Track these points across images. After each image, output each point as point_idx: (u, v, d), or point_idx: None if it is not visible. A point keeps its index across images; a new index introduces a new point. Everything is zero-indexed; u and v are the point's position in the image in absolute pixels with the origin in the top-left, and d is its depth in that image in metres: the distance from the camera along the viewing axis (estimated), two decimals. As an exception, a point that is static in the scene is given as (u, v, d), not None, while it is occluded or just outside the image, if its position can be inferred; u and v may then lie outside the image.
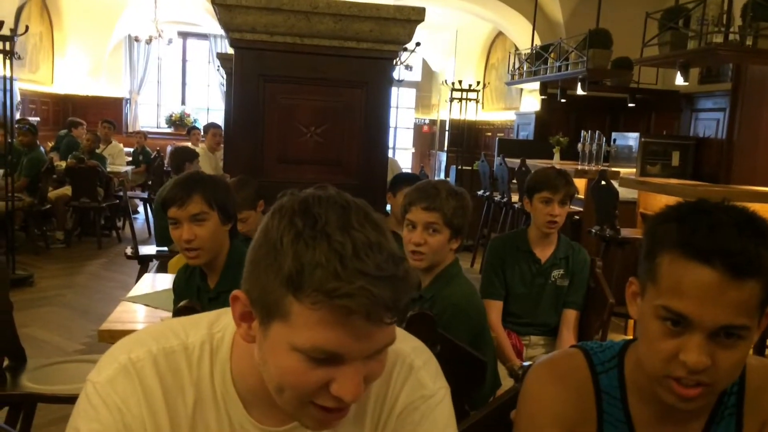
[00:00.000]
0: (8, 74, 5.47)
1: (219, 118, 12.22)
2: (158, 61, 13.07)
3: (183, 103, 13.52)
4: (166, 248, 4.54)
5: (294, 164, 3.46)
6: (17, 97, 8.42)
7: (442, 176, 11.79)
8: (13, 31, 5.24)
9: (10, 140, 5.76)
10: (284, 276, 0.77)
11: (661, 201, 4.46)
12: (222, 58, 7.02)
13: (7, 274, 3.03)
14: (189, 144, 9.08)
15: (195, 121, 12.92)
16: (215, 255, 1.95)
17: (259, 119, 3.41)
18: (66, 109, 11.57)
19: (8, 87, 5.57)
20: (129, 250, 4.66)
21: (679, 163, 6.45)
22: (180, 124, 12.98)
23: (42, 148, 7.05)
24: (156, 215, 4.90)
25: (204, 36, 12.92)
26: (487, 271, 2.80)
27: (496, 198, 6.76)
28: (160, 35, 10.79)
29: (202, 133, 8.08)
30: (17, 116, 7.76)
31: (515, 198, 6.16)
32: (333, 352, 0.78)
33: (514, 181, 6.45)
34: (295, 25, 3.26)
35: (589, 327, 2.76)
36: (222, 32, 10.39)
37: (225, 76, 7.36)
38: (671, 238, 0.94)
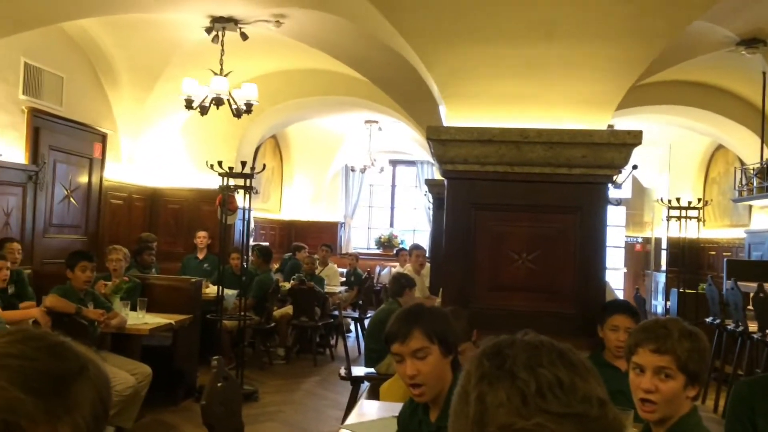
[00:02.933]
0: (247, 206, 6.22)
1: (425, 239, 12.68)
2: (370, 187, 14.11)
3: (391, 225, 14.28)
4: (375, 371, 4.66)
5: (505, 291, 3.41)
6: (252, 225, 9.50)
7: (660, 299, 10.90)
8: (253, 169, 5.99)
9: (245, 264, 6.47)
10: (471, 421, 0.75)
11: None
12: (430, 183, 7.36)
13: (240, 393, 3.27)
14: (397, 264, 9.47)
15: (402, 242, 13.51)
16: (439, 390, 1.93)
17: (469, 246, 3.45)
18: (290, 233, 12.79)
19: (247, 217, 6.32)
20: (342, 371, 4.83)
21: None
22: (388, 245, 13.65)
23: (270, 271, 7.76)
24: (366, 336, 5.07)
25: (412, 162, 13.75)
26: (732, 421, 2.43)
27: (728, 326, 6.04)
28: (372, 164, 11.70)
29: (408, 255, 8.35)
30: (251, 241, 8.73)
31: (752, 327, 5.47)
32: None
33: (750, 307, 5.74)
34: (506, 154, 3.32)
35: None
36: (429, 158, 10.88)
37: (432, 200, 7.68)
38: None
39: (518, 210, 3.39)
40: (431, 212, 9.78)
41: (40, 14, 5.05)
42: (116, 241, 6.89)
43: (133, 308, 4.94)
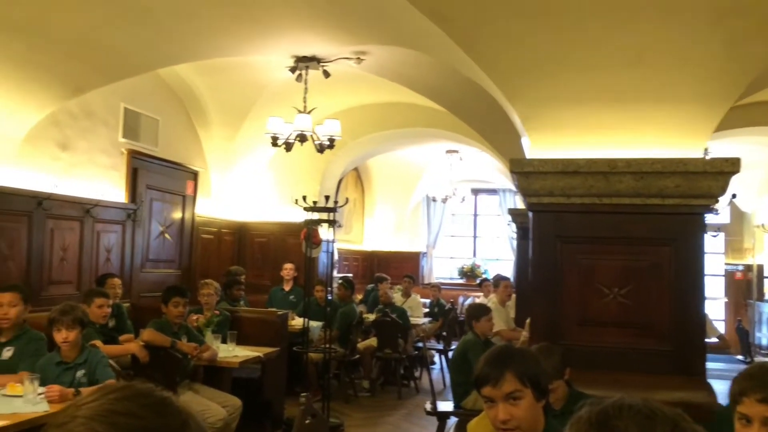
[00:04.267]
0: (331, 238, 6.33)
1: (508, 269, 12.46)
2: (452, 216, 14.05)
3: (474, 254, 14.13)
4: (461, 407, 4.57)
5: (596, 327, 3.29)
6: (335, 257, 9.63)
7: (765, 330, 10.20)
8: (336, 203, 6.10)
9: (329, 296, 6.56)
10: None
11: None
12: (513, 213, 7.24)
13: (327, 429, 3.29)
14: (481, 295, 9.33)
15: (485, 272, 13.32)
16: None
17: (557, 280, 3.35)
18: (372, 264, 12.88)
19: (330, 249, 6.42)
20: (428, 405, 4.78)
21: None
22: (471, 275, 13.49)
23: (354, 303, 7.82)
24: (451, 370, 5.00)
25: (494, 191, 13.60)
26: None
27: None
28: (454, 193, 11.67)
29: (492, 285, 8.22)
30: (335, 273, 8.85)
31: None
32: None
33: None
34: (594, 185, 3.23)
35: None
36: (511, 186, 10.71)
37: (516, 229, 7.55)
38: None
39: (607, 243, 3.28)
40: (515, 241, 9.61)
41: (139, 63, 5.37)
42: (207, 275, 7.16)
43: (224, 341, 5.09)
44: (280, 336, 5.80)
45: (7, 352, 3.69)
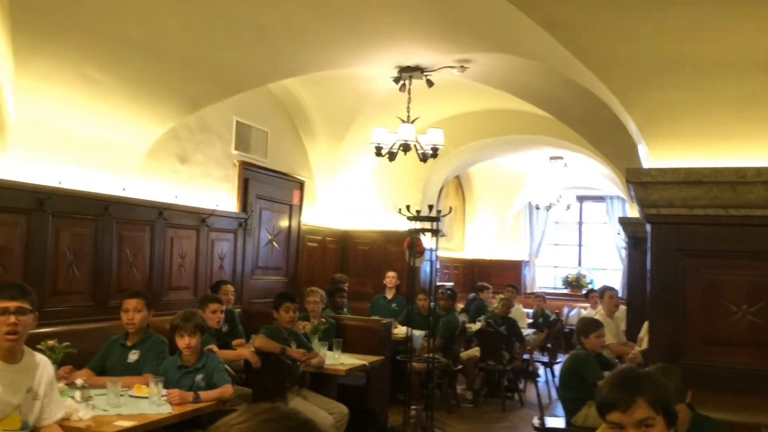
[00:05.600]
0: (434, 247, 6.32)
1: (615, 279, 11.96)
2: (555, 224, 13.68)
3: (579, 264, 13.67)
4: (572, 424, 4.42)
5: (723, 346, 3.09)
6: (437, 265, 9.61)
7: None
8: (439, 212, 6.08)
9: (432, 305, 6.54)
10: None
11: None
12: (624, 222, 6.95)
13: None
14: (588, 306, 9.02)
15: (591, 282, 12.86)
16: None
17: (678, 296, 3.18)
18: (473, 272, 12.75)
19: (433, 258, 6.41)
20: (536, 421, 4.65)
21: None
22: (576, 285, 13.06)
23: (456, 312, 7.76)
24: (560, 385, 4.84)
25: (600, 198, 13.12)
26: None
27: None
28: (558, 201, 11.35)
29: (599, 296, 7.91)
30: (437, 282, 8.82)
31: None
32: None
33: None
34: (719, 196, 3.04)
35: None
36: (620, 193, 10.28)
37: (626, 239, 7.23)
38: None
39: (735, 257, 3.07)
40: (625, 251, 9.22)
41: (251, 78, 5.61)
42: (312, 282, 7.35)
43: (330, 348, 5.19)
44: (383, 344, 5.84)
45: (133, 355, 3.92)
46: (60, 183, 4.66)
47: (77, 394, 3.23)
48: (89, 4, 3.91)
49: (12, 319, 2.61)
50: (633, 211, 7.29)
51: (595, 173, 10.60)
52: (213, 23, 4.41)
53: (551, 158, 10.43)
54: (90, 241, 5.02)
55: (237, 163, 6.86)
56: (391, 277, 8.13)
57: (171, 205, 5.77)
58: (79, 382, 3.37)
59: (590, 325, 4.79)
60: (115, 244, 5.24)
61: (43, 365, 2.80)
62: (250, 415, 0.83)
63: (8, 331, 2.60)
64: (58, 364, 3.50)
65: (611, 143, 5.97)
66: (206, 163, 6.41)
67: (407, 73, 6.14)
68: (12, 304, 2.64)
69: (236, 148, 6.84)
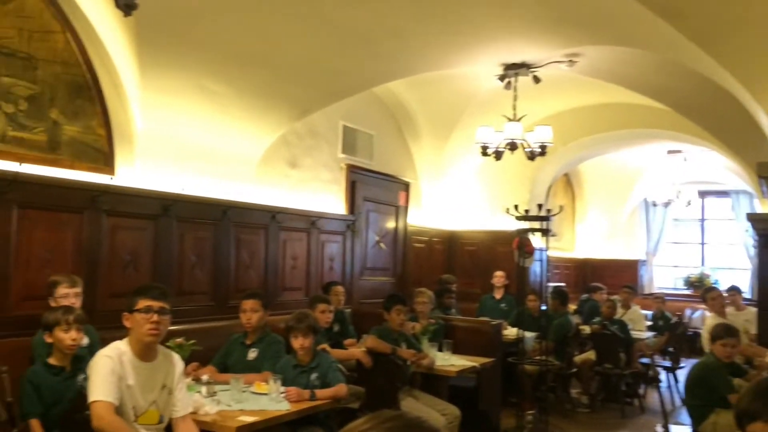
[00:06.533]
0: (544, 247, 6.16)
1: (743, 279, 11.17)
2: (674, 221, 12.95)
3: (702, 263, 12.87)
4: (699, 432, 4.16)
5: None
6: (546, 265, 9.36)
7: None
8: (549, 211, 5.92)
9: (543, 306, 6.38)
10: None
11: None
12: (754, 218, 6.46)
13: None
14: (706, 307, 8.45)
15: (715, 282, 12.06)
16: None
17: (821, 297, 2.91)
18: (584, 272, 12.31)
19: (543, 258, 6.25)
20: (659, 428, 4.43)
21: None
22: (699, 285, 12.29)
23: (568, 314, 7.51)
24: (686, 391, 4.56)
25: (725, 193, 12.28)
26: None
27: None
28: (677, 197, 10.75)
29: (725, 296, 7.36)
30: (547, 282, 8.60)
31: None
32: None
33: None
34: None
35: None
36: (746, 188, 9.60)
37: (756, 237, 6.72)
38: None
39: None
40: (754, 250, 8.58)
41: (356, 83, 5.72)
42: (419, 283, 7.37)
43: (439, 349, 5.18)
44: (494, 346, 5.76)
45: (252, 353, 4.10)
46: (182, 190, 4.95)
47: (203, 389, 3.41)
48: (207, 21, 4.13)
49: (155, 317, 2.79)
50: (765, 207, 6.77)
51: (719, 167, 9.96)
52: (319, 32, 4.53)
53: (669, 152, 9.90)
54: (210, 244, 5.29)
55: (344, 166, 7.01)
56: (499, 277, 8.01)
57: (283, 208, 5.98)
58: (204, 378, 3.57)
59: (719, 331, 4.46)
60: (233, 247, 5.50)
61: (175, 362, 2.98)
62: (376, 422, 0.84)
63: (151, 328, 2.79)
64: (186, 360, 3.72)
65: (737, 135, 5.59)
66: (315, 167, 6.60)
67: (513, 70, 6.03)
68: (156, 304, 2.82)
69: (343, 152, 6.99)
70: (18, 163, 3.93)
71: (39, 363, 3.21)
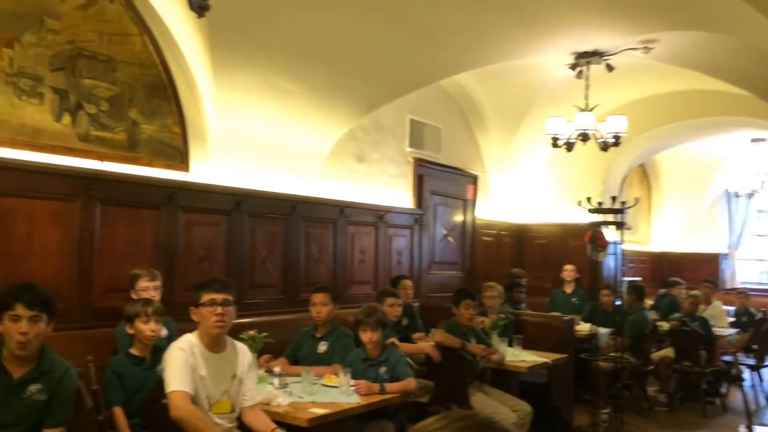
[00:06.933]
0: (618, 241, 5.97)
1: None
2: (758, 213, 12.30)
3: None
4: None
5: None
6: (621, 259, 9.07)
7: None
8: (623, 203, 5.74)
9: (617, 301, 6.18)
10: None
11: None
12: None
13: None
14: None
15: (804, 276, 11.42)
16: None
17: None
18: (661, 267, 11.88)
19: (618, 252, 6.06)
20: (743, 429, 4.22)
21: None
22: (786, 279, 11.66)
23: (645, 309, 7.25)
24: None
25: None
26: None
27: None
28: (762, 187, 10.22)
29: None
30: (622, 277, 8.33)
31: None
32: None
33: None
34: None
35: None
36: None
37: None
38: None
39: None
40: None
41: (422, 76, 5.69)
42: (488, 277, 7.28)
43: (510, 344, 5.10)
44: (566, 342, 5.63)
45: (322, 346, 4.15)
46: (253, 186, 5.06)
47: (276, 381, 3.48)
48: (276, 20, 4.20)
49: (219, 309, 2.87)
50: None
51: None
52: (385, 26, 4.53)
53: (753, 140, 9.43)
54: (280, 239, 5.39)
55: (411, 160, 6.99)
56: (569, 270, 7.80)
57: (351, 203, 6.03)
58: (276, 370, 3.64)
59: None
60: (302, 241, 5.58)
61: (243, 352, 3.06)
62: (447, 421, 0.83)
63: (217, 320, 2.87)
64: (258, 352, 3.80)
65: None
66: (382, 162, 6.61)
67: (584, 58, 5.87)
68: (219, 296, 2.91)
69: (410, 146, 6.98)
70: (100, 161, 4.12)
71: (121, 353, 3.36)
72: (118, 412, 3.14)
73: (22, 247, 3.66)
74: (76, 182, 3.91)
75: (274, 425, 2.90)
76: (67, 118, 3.98)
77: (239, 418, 2.98)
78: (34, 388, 2.51)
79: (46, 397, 2.52)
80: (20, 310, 2.46)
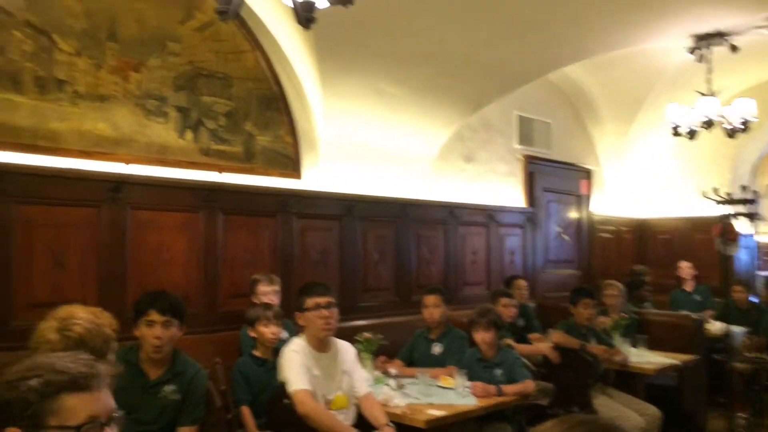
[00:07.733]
0: (752, 233, 5.55)
1: None
2: None
3: None
4: None
5: None
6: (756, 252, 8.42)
7: None
8: (756, 193, 5.32)
9: (752, 297, 5.74)
10: None
11: None
12: None
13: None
14: None
15: None
16: None
17: None
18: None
19: (751, 245, 5.63)
20: None
21: None
22: None
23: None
24: None
25: None
26: None
27: None
28: None
29: None
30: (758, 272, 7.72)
31: None
32: None
33: None
34: None
35: None
36: None
37: None
38: None
39: None
40: None
41: (528, 71, 5.55)
42: (607, 275, 6.98)
43: (633, 345, 4.87)
44: (695, 341, 5.29)
45: (437, 348, 4.15)
46: (363, 190, 5.14)
47: (392, 382, 3.52)
48: (378, 27, 4.26)
49: (324, 312, 2.97)
50: None
51: None
52: (487, 23, 4.47)
53: None
54: (391, 242, 5.44)
55: (521, 157, 6.85)
56: (685, 268, 7.26)
57: (460, 203, 5.99)
58: (392, 371, 3.68)
59: None
60: (413, 243, 5.61)
61: (345, 348, 3.17)
62: (567, 425, 0.80)
63: (324, 323, 2.97)
64: (373, 354, 3.86)
65: None
66: (490, 160, 6.52)
67: (705, 41, 5.50)
68: (322, 300, 3.01)
69: (519, 143, 6.84)
70: (219, 173, 4.35)
71: (246, 355, 3.51)
72: (246, 411, 3.28)
73: (154, 257, 3.93)
74: (199, 194, 4.15)
75: (386, 420, 2.94)
76: (189, 134, 4.23)
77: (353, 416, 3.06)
78: (168, 388, 2.67)
79: (179, 397, 2.68)
80: (154, 315, 2.64)
